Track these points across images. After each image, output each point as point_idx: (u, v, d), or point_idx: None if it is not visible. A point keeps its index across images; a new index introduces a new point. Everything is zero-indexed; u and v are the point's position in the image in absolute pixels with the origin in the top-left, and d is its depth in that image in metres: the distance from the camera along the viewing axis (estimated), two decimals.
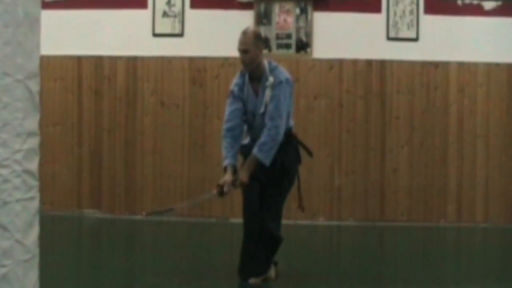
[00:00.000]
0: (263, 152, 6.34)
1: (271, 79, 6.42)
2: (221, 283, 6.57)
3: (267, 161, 6.35)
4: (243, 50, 6.45)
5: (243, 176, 6.38)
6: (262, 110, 6.43)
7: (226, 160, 6.48)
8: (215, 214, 9.73)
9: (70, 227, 9.47)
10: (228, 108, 6.61)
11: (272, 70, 6.47)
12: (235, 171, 6.45)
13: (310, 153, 6.90)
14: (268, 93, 6.41)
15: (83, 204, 9.89)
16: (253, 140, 6.60)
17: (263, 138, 6.36)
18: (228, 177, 6.40)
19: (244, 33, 6.49)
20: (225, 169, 6.46)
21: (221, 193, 6.38)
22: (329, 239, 9.29)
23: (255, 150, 6.37)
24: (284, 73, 6.51)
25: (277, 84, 6.40)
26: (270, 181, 6.48)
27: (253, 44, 6.43)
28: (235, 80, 6.64)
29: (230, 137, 6.52)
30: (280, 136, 6.38)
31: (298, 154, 6.67)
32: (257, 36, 6.50)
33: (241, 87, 6.57)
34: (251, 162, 6.40)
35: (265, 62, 6.51)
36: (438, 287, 6.64)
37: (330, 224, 9.61)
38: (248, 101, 6.53)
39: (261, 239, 6.45)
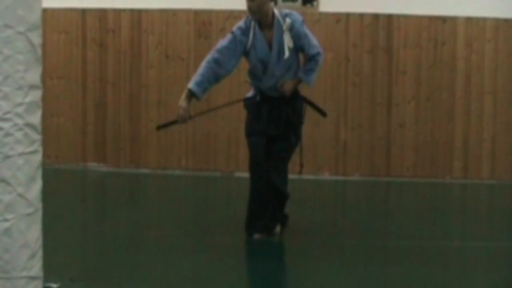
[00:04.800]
0: (310, 76, 6.46)
1: (288, 21, 6.32)
2: (227, 238, 6.57)
3: (312, 83, 6.52)
4: None
5: (287, 87, 6.44)
6: (286, 55, 6.35)
7: (193, 84, 6.29)
8: (220, 168, 9.71)
9: (74, 180, 9.47)
10: (225, 42, 6.38)
11: (286, 15, 6.37)
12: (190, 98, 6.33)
13: (323, 114, 6.87)
14: (287, 37, 6.33)
15: (88, 157, 9.87)
16: (262, 93, 6.52)
17: (309, 65, 6.46)
18: (184, 103, 6.28)
19: None
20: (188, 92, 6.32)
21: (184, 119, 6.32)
22: (334, 194, 9.28)
23: (301, 74, 6.46)
24: (299, 15, 6.44)
25: (297, 24, 6.33)
26: (276, 136, 6.44)
27: None
28: (240, 23, 6.49)
29: (212, 69, 6.31)
30: (323, 59, 6.53)
31: (304, 110, 6.62)
32: None
33: (244, 31, 6.41)
34: (295, 81, 6.49)
35: (276, 11, 6.41)
36: (444, 243, 6.63)
37: (335, 179, 9.58)
38: (255, 49, 6.39)
39: (268, 195, 6.43)
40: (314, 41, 6.43)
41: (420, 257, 6.15)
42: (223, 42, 6.41)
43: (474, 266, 6.05)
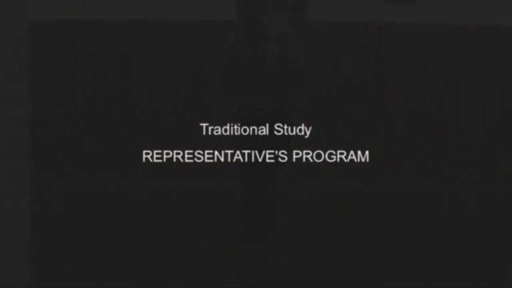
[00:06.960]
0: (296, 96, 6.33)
1: (274, 30, 6.31)
2: (218, 245, 6.57)
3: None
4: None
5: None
6: (269, 64, 6.32)
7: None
8: (211, 177, 9.67)
9: (65, 192, 9.42)
10: (223, 65, 6.47)
11: (275, 25, 6.38)
12: None
13: (309, 111, 6.78)
14: (272, 46, 6.31)
15: (78, 168, 9.83)
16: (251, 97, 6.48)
17: (293, 81, 6.31)
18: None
19: None
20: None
21: None
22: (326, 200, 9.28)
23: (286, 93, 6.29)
24: (288, 27, 6.43)
25: (285, 33, 6.32)
26: (268, 145, 6.41)
27: None
28: (230, 37, 6.52)
29: (229, 91, 6.41)
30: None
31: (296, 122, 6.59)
32: None
33: (234, 44, 6.43)
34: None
35: (266, 19, 6.41)
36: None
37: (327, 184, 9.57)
38: (244, 57, 6.40)
39: (259, 204, 6.41)
40: (301, 54, 6.36)
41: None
42: (221, 66, 6.49)
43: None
